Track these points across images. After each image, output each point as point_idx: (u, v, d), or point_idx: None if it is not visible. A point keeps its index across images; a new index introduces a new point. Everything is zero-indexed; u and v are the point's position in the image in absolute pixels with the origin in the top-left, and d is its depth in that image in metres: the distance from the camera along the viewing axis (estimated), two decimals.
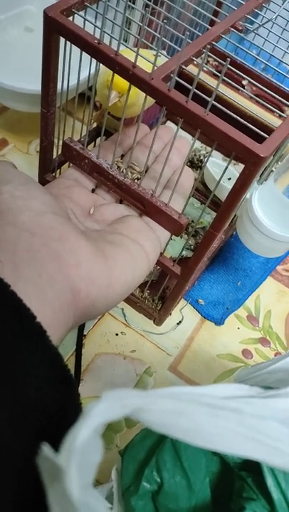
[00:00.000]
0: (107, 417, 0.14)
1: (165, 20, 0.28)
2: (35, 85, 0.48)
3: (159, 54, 0.29)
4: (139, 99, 0.35)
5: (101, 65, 0.35)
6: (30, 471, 0.16)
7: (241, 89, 0.33)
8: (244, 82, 0.48)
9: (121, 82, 0.31)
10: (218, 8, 0.38)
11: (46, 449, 0.13)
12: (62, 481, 0.12)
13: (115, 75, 0.30)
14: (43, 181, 0.40)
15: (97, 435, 0.14)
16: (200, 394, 0.17)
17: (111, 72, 0.30)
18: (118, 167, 0.37)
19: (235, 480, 0.26)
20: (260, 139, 0.28)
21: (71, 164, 0.37)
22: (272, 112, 0.37)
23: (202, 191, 0.53)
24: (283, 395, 0.21)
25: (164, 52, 0.39)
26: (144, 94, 0.29)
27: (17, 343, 0.20)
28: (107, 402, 0.15)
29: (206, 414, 0.16)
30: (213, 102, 0.28)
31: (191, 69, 0.31)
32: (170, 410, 0.16)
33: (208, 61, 0.50)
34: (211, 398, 0.17)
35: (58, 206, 0.29)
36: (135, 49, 0.28)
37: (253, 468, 0.25)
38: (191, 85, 0.28)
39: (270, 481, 0.23)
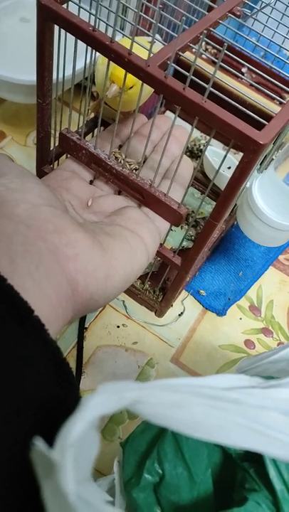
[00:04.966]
0: (103, 410, 0.14)
1: (161, 6, 0.27)
2: (31, 76, 0.47)
3: (156, 41, 0.28)
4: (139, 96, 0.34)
5: (101, 56, 0.35)
6: (25, 468, 0.16)
7: (241, 76, 0.33)
8: (244, 70, 0.47)
9: (122, 75, 0.30)
10: None
11: (40, 443, 0.13)
12: (57, 477, 0.12)
13: (117, 67, 0.29)
14: (41, 173, 0.39)
15: (93, 428, 0.14)
16: (199, 385, 0.17)
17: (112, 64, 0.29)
18: (116, 157, 0.36)
19: (238, 471, 0.25)
20: (260, 127, 0.27)
21: (68, 155, 0.37)
22: (272, 99, 0.36)
23: (202, 181, 0.52)
24: (285, 385, 0.20)
25: (160, 38, 0.38)
26: (144, 91, 0.29)
27: (15, 337, 0.20)
28: (103, 395, 0.14)
29: (206, 405, 0.16)
30: (213, 89, 0.27)
31: (190, 56, 0.31)
32: (168, 402, 0.15)
33: (206, 48, 0.50)
34: (210, 389, 0.17)
35: (54, 198, 0.29)
36: (131, 36, 0.28)
37: (255, 459, 0.25)
38: (189, 72, 0.27)
39: (272, 472, 0.23)
